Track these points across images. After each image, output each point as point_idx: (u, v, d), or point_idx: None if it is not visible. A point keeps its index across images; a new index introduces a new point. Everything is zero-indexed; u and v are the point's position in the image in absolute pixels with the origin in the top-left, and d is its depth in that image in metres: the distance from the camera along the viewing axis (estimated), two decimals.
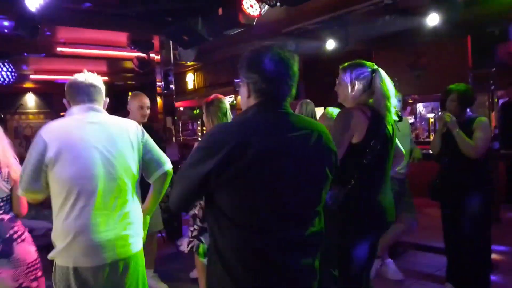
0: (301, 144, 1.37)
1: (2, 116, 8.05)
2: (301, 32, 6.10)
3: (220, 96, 3.05)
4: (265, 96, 1.39)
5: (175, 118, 6.78)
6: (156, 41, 6.11)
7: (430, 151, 3.49)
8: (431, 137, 7.54)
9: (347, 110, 2.22)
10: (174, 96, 6.55)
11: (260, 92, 1.39)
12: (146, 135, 2.05)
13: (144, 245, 2.02)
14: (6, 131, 2.03)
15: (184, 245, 3.54)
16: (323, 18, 5.49)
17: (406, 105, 8.50)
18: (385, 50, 7.19)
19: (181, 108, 11.43)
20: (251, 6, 3.93)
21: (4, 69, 6.22)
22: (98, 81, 2.03)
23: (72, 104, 1.97)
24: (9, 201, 2.19)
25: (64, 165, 1.78)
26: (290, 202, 1.35)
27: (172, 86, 6.43)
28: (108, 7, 5.03)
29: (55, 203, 1.84)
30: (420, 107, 8.27)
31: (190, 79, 10.30)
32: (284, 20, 5.82)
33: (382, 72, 2.27)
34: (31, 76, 9.54)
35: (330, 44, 5.99)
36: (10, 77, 6.27)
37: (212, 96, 3.04)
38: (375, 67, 2.29)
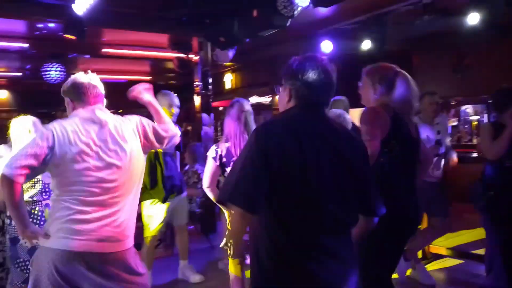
0: (336, 142, 1.50)
1: (53, 113, 8.57)
2: (338, 33, 6.07)
3: (243, 100, 3.02)
4: (305, 101, 1.52)
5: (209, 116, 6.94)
6: (195, 43, 6.30)
7: (487, 156, 3.06)
8: (474, 141, 7.27)
9: (372, 107, 2.24)
10: (212, 96, 6.72)
11: (301, 98, 1.52)
12: (145, 122, 2.11)
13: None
14: None
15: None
16: (360, 18, 5.44)
17: (449, 108, 8.25)
18: (426, 52, 7.00)
19: (221, 108, 11.65)
20: (285, 7, 3.98)
21: (55, 69, 6.63)
22: (99, 82, 2.10)
23: (76, 104, 2.02)
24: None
25: (66, 164, 1.86)
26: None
27: (210, 86, 6.61)
28: (150, 10, 5.27)
29: (57, 189, 1.92)
30: (464, 109, 8.00)
31: (228, 79, 10.48)
32: (320, 20, 5.82)
33: (405, 74, 2.28)
34: None
35: (367, 45, 5.90)
36: (60, 76, 6.67)
37: (235, 99, 3.04)
38: (398, 69, 2.30)
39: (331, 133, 1.51)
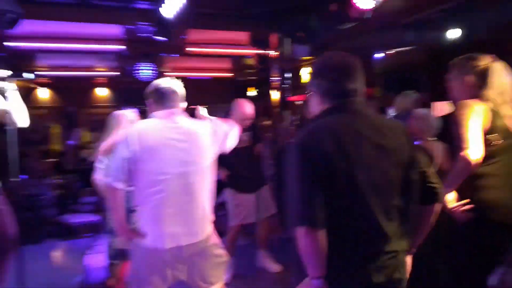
0: (376, 136, 1.46)
1: (145, 108, 9.30)
2: (423, 22, 5.78)
3: None
4: (334, 98, 1.52)
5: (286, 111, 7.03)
6: (273, 39, 6.44)
7: None
8: None
9: (465, 102, 2.13)
10: (290, 91, 6.81)
11: (331, 96, 1.52)
12: (213, 127, 2.35)
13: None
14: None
15: None
16: (447, 5, 5.13)
17: None
18: None
19: (298, 102, 11.67)
20: (364, 0, 3.93)
21: (147, 68, 7.25)
22: (179, 86, 2.31)
23: (155, 106, 2.27)
24: None
25: (144, 162, 2.08)
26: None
27: (287, 81, 6.73)
28: (231, 9, 5.51)
29: (138, 194, 2.16)
30: None
31: (305, 73, 10.47)
32: (403, 10, 5.59)
33: (498, 65, 2.16)
34: (168, 74, 10.80)
35: (456, 34, 5.57)
36: (152, 75, 7.28)
37: None
38: (491, 58, 2.18)
39: (370, 128, 1.47)
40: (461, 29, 5.32)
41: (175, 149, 2.13)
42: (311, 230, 1.36)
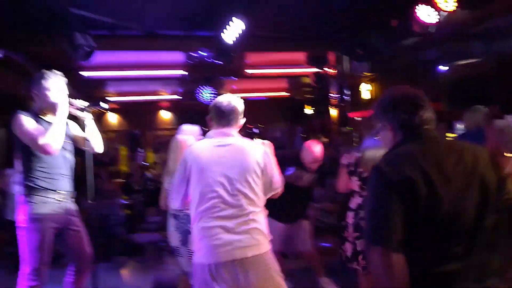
0: (451, 165, 1.41)
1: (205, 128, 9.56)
2: (491, 32, 5.47)
3: None
4: (411, 129, 1.50)
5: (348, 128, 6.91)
6: (331, 57, 6.40)
7: None
8: None
9: None
10: (349, 107, 6.71)
11: (406, 126, 1.51)
12: (266, 160, 2.30)
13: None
14: None
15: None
16: None
17: None
18: None
19: (358, 118, 11.41)
20: (428, 14, 3.79)
21: (208, 91, 7.49)
22: (239, 104, 2.35)
23: (214, 123, 2.34)
24: None
25: (194, 178, 2.18)
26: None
27: (346, 97, 6.63)
28: (288, 31, 5.57)
29: (192, 212, 2.24)
30: None
31: (365, 89, 10.27)
32: (470, 21, 5.33)
33: None
34: None
35: None
36: (212, 97, 7.51)
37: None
38: None
39: (451, 154, 1.43)
40: None
41: (224, 167, 2.19)
42: (385, 252, 1.31)
